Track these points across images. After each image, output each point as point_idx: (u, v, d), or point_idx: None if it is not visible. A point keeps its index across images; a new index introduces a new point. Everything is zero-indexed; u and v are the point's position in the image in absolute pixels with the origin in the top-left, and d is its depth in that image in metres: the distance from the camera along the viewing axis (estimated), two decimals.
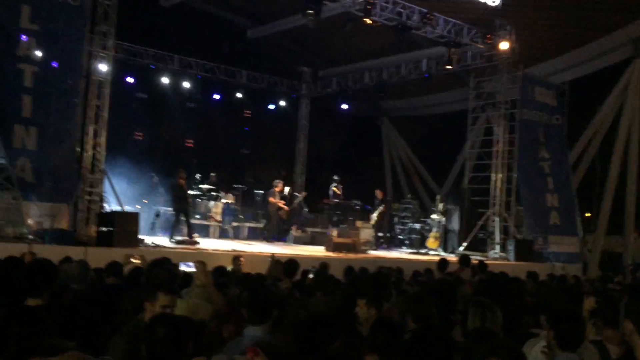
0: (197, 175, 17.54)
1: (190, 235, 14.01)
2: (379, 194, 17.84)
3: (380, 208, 17.50)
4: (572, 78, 18.83)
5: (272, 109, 21.62)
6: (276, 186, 16.82)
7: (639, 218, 20.44)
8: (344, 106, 21.90)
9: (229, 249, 12.94)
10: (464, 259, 10.60)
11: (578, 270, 16.12)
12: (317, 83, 22.26)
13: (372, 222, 17.36)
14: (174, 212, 14.30)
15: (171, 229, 13.92)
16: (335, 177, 17.97)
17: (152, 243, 12.42)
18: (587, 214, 23.34)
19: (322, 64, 22.70)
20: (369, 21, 14.49)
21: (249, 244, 15.34)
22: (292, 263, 7.24)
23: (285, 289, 6.43)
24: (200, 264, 4.93)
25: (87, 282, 6.11)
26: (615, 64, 18.68)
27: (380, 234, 18.38)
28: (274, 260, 8.41)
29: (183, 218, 14.01)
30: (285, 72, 22.14)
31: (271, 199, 16.68)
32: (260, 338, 3.59)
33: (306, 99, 22.59)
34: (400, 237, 19.46)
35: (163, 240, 13.48)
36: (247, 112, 21.89)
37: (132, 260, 7.39)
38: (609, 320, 3.23)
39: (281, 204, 16.83)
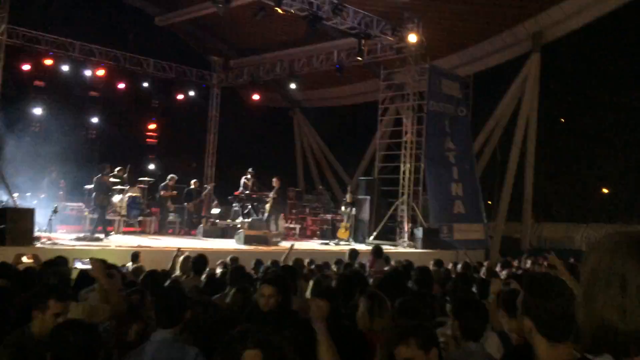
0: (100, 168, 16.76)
1: (105, 231, 13.84)
2: (275, 182, 17.11)
3: (273, 195, 16.87)
4: (476, 71, 19.55)
5: (181, 99, 21.00)
6: (169, 180, 16.64)
7: (536, 205, 21.64)
8: (256, 97, 21.67)
9: (134, 244, 12.43)
10: (377, 250, 10.72)
11: (481, 256, 16.78)
12: (228, 73, 21.84)
13: (266, 211, 16.97)
14: (98, 209, 13.96)
15: (97, 225, 13.72)
16: (250, 170, 17.68)
17: (49, 240, 11.71)
18: (489, 202, 24.42)
19: (233, 53, 22.32)
20: (280, 10, 14.33)
21: (156, 239, 14.85)
22: (200, 259, 6.99)
23: (194, 287, 6.19)
24: (95, 262, 4.63)
25: None
26: (515, 57, 19.56)
27: (292, 225, 18.35)
28: (181, 255, 8.12)
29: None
30: (195, 61, 21.57)
31: (162, 193, 16.59)
32: (169, 342, 3.38)
33: (217, 89, 22.13)
34: (313, 227, 19.57)
35: (62, 237, 12.78)
36: (155, 102, 21.16)
37: (24, 260, 6.87)
38: (511, 311, 3.29)
39: (168, 195, 16.70)
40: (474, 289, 6.07)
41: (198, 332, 3.84)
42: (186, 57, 21.19)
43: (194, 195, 17.51)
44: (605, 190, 35.48)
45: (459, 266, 9.75)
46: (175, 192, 16.98)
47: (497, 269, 10.34)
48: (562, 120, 34.72)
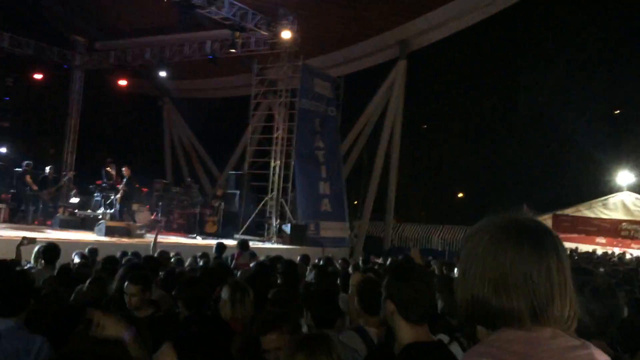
0: None
1: None
2: (125, 171, 15.93)
3: (123, 186, 15.82)
4: (347, 73, 20.10)
5: (39, 79, 19.51)
6: (26, 166, 15.70)
7: (399, 206, 22.72)
8: (123, 82, 20.69)
9: None
10: (242, 244, 10.64)
11: (346, 253, 17.28)
12: (92, 55, 20.64)
13: (117, 202, 15.79)
14: None
15: None
16: (109, 160, 16.80)
17: None
18: (355, 202, 25.27)
19: (99, 35, 21.12)
20: None
21: (7, 228, 13.70)
22: (51, 248, 6.54)
23: (50, 278, 5.80)
24: None
25: None
26: (384, 62, 20.40)
27: (158, 218, 17.73)
28: (27, 244, 7.55)
29: None
30: (57, 39, 20.14)
31: (28, 178, 15.54)
32: (11, 331, 3.15)
33: (79, 71, 20.85)
34: (180, 220, 19.04)
35: None
36: (9, 80, 19.49)
37: None
38: (368, 307, 3.41)
39: (30, 182, 15.75)
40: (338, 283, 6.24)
41: (46, 322, 3.63)
42: (46, 34, 19.71)
43: (50, 183, 16.36)
44: (460, 195, 38.11)
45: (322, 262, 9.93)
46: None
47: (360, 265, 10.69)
48: (424, 126, 36.79)
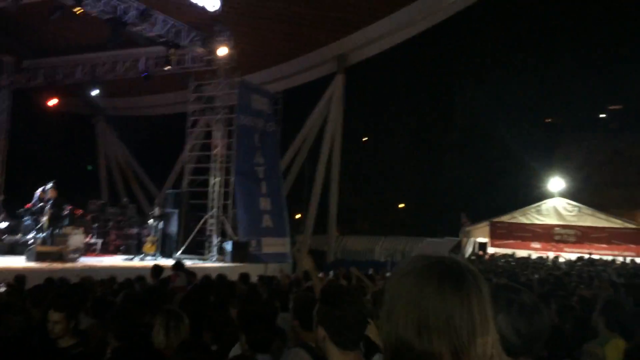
0: None
1: None
2: (51, 192, 15.21)
3: (47, 209, 15.06)
4: (285, 88, 20.12)
5: None
6: None
7: (341, 219, 22.82)
8: (53, 102, 20.02)
9: None
10: (177, 265, 10.36)
11: (288, 269, 17.17)
12: (21, 74, 19.90)
13: (45, 227, 14.90)
14: None
15: None
16: (50, 183, 16.06)
17: None
18: (298, 216, 25.22)
19: (27, 53, 20.41)
20: (79, 11, 13.42)
21: None
22: None
23: None
24: None
25: None
26: (322, 77, 20.54)
27: (92, 241, 17.17)
28: None
29: None
30: None
31: None
32: None
33: (7, 90, 20.04)
34: (117, 242, 18.51)
35: None
36: None
37: None
38: (305, 324, 3.33)
39: None
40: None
41: None
42: None
43: None
44: (401, 205, 38.64)
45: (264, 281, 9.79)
46: None
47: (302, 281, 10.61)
48: (364, 139, 37.22)
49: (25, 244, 15.00)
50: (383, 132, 36.14)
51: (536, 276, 11.52)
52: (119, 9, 14.12)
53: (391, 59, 22.92)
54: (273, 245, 17.91)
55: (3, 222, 16.58)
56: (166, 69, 16.91)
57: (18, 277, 8.17)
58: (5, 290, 7.24)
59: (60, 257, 13.73)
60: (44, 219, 15.09)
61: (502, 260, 19.71)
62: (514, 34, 30.86)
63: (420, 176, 34.39)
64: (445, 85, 32.83)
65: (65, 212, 16.85)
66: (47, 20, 14.59)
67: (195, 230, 17.35)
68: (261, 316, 3.75)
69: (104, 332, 4.66)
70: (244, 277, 9.24)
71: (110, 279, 9.40)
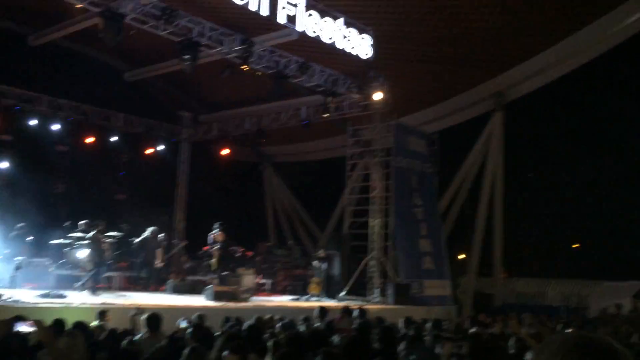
0: (67, 223, 16.56)
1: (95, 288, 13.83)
2: (219, 236, 16.69)
3: (216, 251, 16.53)
4: (441, 128, 19.97)
5: (150, 153, 20.94)
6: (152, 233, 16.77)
7: (508, 260, 21.80)
8: (225, 152, 21.74)
9: (99, 302, 12.12)
10: (345, 309, 10.67)
11: (451, 311, 16.76)
12: (197, 128, 21.95)
13: (213, 267, 16.57)
14: (93, 266, 14.05)
15: (92, 284, 13.76)
16: (216, 224, 17.55)
17: (10, 297, 11.36)
18: (462, 256, 24.54)
19: (202, 108, 22.51)
20: (245, 68, 14.62)
21: (123, 295, 14.50)
22: (153, 317, 6.83)
23: (160, 348, 6.02)
24: (39, 324, 4.49)
25: None
26: (479, 115, 20.10)
27: (262, 281, 18.15)
28: (139, 314, 7.94)
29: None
30: (165, 115, 21.66)
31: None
32: None
33: (186, 143, 22.16)
34: (284, 282, 19.37)
35: (25, 294, 12.42)
36: (124, 156, 21.06)
37: None
38: None
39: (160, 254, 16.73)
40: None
41: None
42: (155, 112, 21.28)
43: (165, 250, 17.35)
44: (576, 245, 35.96)
45: (428, 324, 9.64)
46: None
47: (467, 326, 10.34)
48: (530, 175, 35.47)
49: (204, 283, 16.27)
50: (548, 168, 34.16)
51: None
52: (281, 64, 15.13)
53: (554, 91, 21.81)
54: (435, 287, 17.63)
55: (186, 265, 18.16)
56: (325, 116, 17.68)
57: (199, 316, 8.89)
58: (190, 331, 7.89)
59: (234, 296, 14.67)
60: (213, 260, 16.41)
61: None
62: None
63: (596, 214, 31.85)
64: (614, 116, 30.35)
65: (238, 254, 18.09)
66: (219, 78, 16.04)
67: (357, 271, 17.62)
68: None
69: None
70: (408, 321, 9.21)
71: (279, 318, 9.82)
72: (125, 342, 5.92)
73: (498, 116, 19.79)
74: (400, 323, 9.16)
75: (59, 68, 18.11)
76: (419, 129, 19.23)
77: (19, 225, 15.37)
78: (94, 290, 13.76)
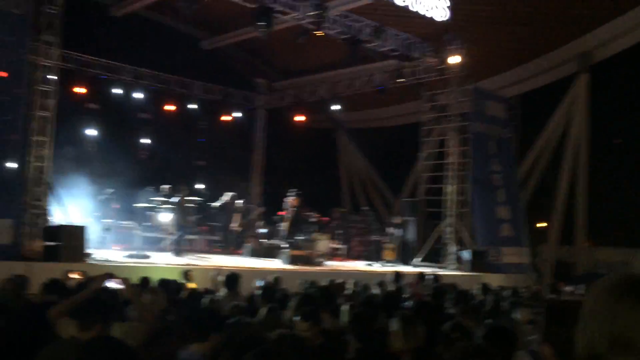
0: (150, 187, 17.32)
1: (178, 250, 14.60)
2: (293, 201, 16.92)
3: (288, 216, 16.83)
4: (521, 92, 19.25)
5: (227, 120, 21.42)
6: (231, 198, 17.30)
7: (592, 229, 20.98)
8: (300, 118, 21.92)
9: (182, 262, 12.69)
10: (420, 274, 10.69)
11: (530, 280, 16.41)
12: (272, 95, 22.20)
13: (285, 230, 16.84)
14: (179, 229, 14.80)
15: (177, 246, 14.50)
16: (292, 190, 17.85)
17: (102, 257, 12.09)
18: (542, 224, 23.81)
19: (277, 75, 22.69)
20: (319, 34, 14.58)
21: (203, 257, 15.10)
22: (232, 276, 7.10)
23: (236, 306, 6.25)
24: (127, 281, 4.75)
25: (23, 300, 5.89)
26: (563, 78, 19.20)
27: (337, 246, 18.36)
28: (217, 275, 8.28)
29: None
30: (240, 83, 22.02)
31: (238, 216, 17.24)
32: (197, 358, 3.50)
33: (262, 110, 22.49)
34: (358, 248, 19.52)
35: (113, 254, 13.18)
36: (202, 123, 21.64)
37: (72, 275, 7.14)
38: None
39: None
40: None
41: (234, 350, 3.92)
42: (231, 79, 21.64)
43: (242, 215, 17.89)
44: None
45: (506, 292, 9.49)
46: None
47: (545, 293, 10.12)
48: (617, 141, 33.72)
49: (279, 247, 16.65)
50: (638, 134, 32.30)
51: None
52: (354, 28, 14.98)
53: None
54: (513, 254, 17.30)
55: (262, 229, 18.62)
56: (400, 81, 17.43)
57: (275, 278, 9.17)
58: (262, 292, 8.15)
59: (308, 260, 14.97)
60: (284, 224, 16.76)
61: None
62: None
63: None
64: None
65: (313, 220, 18.35)
66: (293, 44, 16.08)
67: (433, 238, 17.51)
68: (502, 331, 3.71)
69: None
70: (485, 288, 9.12)
71: (355, 282, 9.94)
72: (205, 299, 6.19)
73: (583, 79, 18.85)
74: (476, 290, 9.07)
75: (139, 38, 18.70)
76: (498, 93, 18.64)
77: (110, 190, 16.18)
78: (178, 252, 14.39)
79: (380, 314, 4.86)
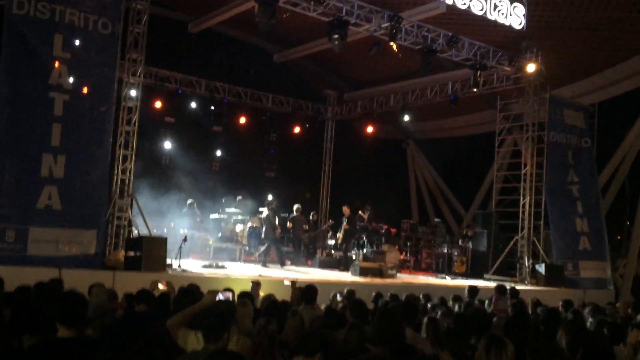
0: (223, 199, 17.74)
1: (282, 262, 15.74)
2: (345, 210, 16.79)
3: (344, 225, 16.65)
4: (600, 100, 18.58)
5: (297, 132, 21.69)
6: (297, 211, 17.37)
7: None
8: (369, 129, 21.94)
9: (255, 273, 12.90)
10: (500, 288, 10.41)
11: (609, 296, 15.75)
12: (342, 106, 22.32)
13: (339, 240, 16.93)
14: (267, 242, 15.69)
15: (264, 257, 15.42)
16: (362, 201, 17.89)
17: (180, 267, 12.44)
18: (618, 237, 22.84)
19: (347, 87, 22.80)
20: (394, 45, 14.56)
21: (275, 268, 15.29)
22: (310, 288, 7.15)
23: (317, 318, 6.31)
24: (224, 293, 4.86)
25: (114, 313, 6.17)
26: None
27: (406, 258, 18.23)
28: (295, 286, 8.35)
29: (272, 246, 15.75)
30: (311, 95, 22.27)
31: (289, 224, 17.31)
32: None
33: (331, 122, 22.65)
34: (428, 260, 19.32)
35: (190, 264, 13.53)
36: (273, 135, 22.00)
37: (159, 286, 7.40)
38: None
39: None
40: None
41: None
42: (302, 91, 21.93)
43: (312, 227, 18.01)
44: None
45: (588, 309, 9.15)
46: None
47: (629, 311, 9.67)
48: None
49: (349, 259, 16.67)
50: None
51: None
52: (429, 38, 14.89)
53: None
54: (592, 269, 16.67)
55: (330, 240, 18.71)
56: (474, 90, 17.19)
57: (349, 291, 9.15)
58: (343, 304, 8.17)
59: (380, 272, 14.92)
60: (339, 235, 16.80)
61: None
62: None
63: None
64: None
65: (382, 231, 18.31)
66: (364, 55, 16.12)
67: (506, 251, 17.10)
68: (592, 347, 3.61)
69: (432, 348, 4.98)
70: (567, 303, 8.83)
71: (425, 296, 9.85)
72: (288, 312, 6.27)
73: None
74: (560, 306, 8.78)
75: (214, 53, 19.26)
76: (576, 101, 18.06)
77: (189, 201, 16.67)
78: (265, 263, 15.04)
79: (472, 332, 4.79)
